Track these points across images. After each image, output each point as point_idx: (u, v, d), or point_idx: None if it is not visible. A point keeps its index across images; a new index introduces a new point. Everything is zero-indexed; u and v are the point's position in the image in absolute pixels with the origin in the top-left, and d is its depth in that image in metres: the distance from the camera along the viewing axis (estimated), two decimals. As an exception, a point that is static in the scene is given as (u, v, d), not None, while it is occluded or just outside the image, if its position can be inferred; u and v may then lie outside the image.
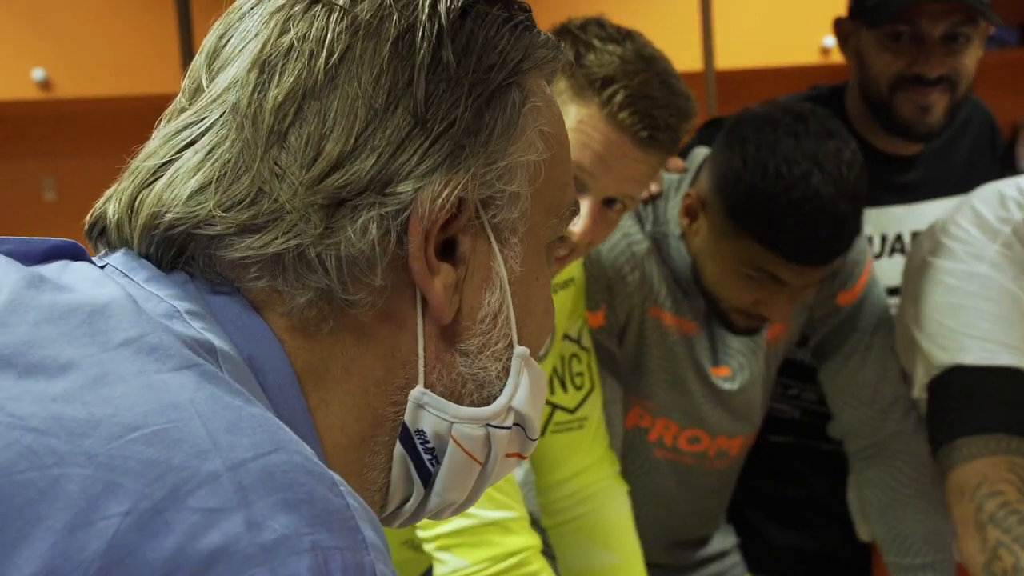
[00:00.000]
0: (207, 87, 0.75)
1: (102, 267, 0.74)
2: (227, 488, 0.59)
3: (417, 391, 0.75)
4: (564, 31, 1.46)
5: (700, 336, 1.82)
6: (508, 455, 0.81)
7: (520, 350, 0.78)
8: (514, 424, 0.80)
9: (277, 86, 0.72)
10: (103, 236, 0.76)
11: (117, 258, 0.74)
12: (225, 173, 0.72)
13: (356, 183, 0.71)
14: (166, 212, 0.72)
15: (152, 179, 0.74)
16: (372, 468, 0.76)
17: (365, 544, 0.62)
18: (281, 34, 0.74)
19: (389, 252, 0.72)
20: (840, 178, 1.63)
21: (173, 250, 0.73)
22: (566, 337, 1.70)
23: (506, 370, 0.78)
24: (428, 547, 1.43)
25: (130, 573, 0.56)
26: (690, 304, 1.80)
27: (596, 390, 1.74)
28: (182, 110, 0.76)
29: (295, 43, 0.73)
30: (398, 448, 0.76)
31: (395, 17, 0.73)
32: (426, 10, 0.74)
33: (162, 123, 0.77)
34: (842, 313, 1.89)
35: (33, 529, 0.56)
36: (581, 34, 1.44)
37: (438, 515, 0.82)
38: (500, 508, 1.43)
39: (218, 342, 0.69)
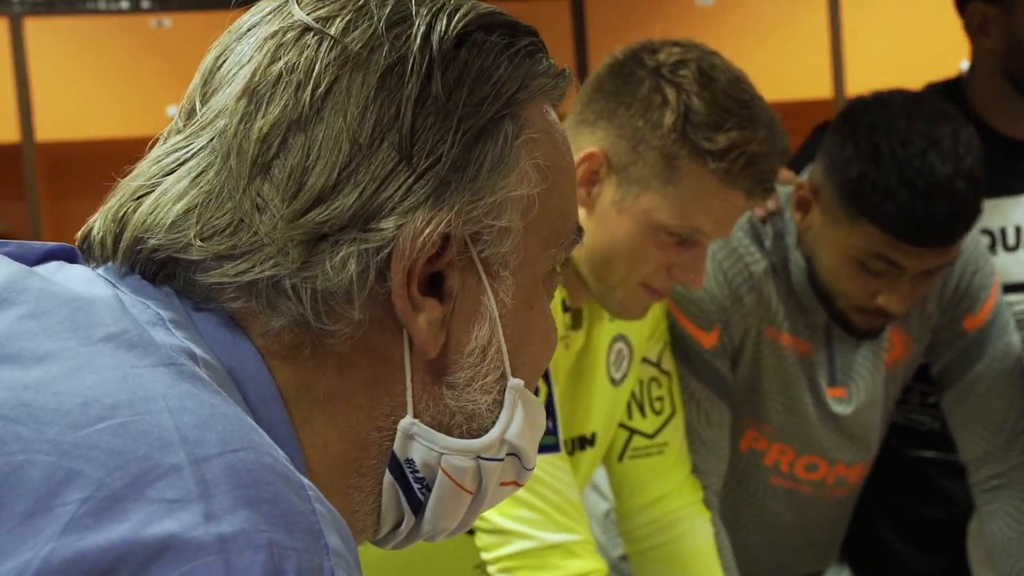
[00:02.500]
0: (199, 111, 0.75)
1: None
2: (188, 481, 0.59)
3: (407, 421, 0.75)
4: (655, 72, 1.43)
5: (817, 356, 1.77)
6: (503, 484, 0.81)
7: (514, 382, 0.77)
8: (508, 455, 0.79)
9: (263, 116, 0.72)
10: (90, 252, 0.77)
11: (106, 270, 0.75)
12: (208, 201, 0.72)
13: (337, 219, 0.70)
14: (150, 237, 0.73)
15: (137, 200, 0.74)
16: (359, 490, 0.76)
17: (327, 549, 0.61)
18: (272, 62, 0.73)
19: (368, 287, 0.71)
20: (957, 158, 1.58)
21: (154, 268, 0.73)
22: (645, 361, 1.68)
23: (497, 402, 0.77)
24: (491, 569, 1.42)
25: (80, 555, 0.56)
26: (807, 321, 1.75)
27: (678, 415, 1.70)
28: (176, 132, 0.76)
29: (284, 73, 0.72)
30: (388, 477, 0.76)
31: (386, 48, 0.72)
32: (418, 41, 0.72)
33: (158, 144, 0.77)
34: (968, 338, 1.82)
35: None
36: (672, 77, 1.42)
37: (432, 538, 0.81)
38: (563, 531, 1.41)
39: (200, 351, 0.69)
